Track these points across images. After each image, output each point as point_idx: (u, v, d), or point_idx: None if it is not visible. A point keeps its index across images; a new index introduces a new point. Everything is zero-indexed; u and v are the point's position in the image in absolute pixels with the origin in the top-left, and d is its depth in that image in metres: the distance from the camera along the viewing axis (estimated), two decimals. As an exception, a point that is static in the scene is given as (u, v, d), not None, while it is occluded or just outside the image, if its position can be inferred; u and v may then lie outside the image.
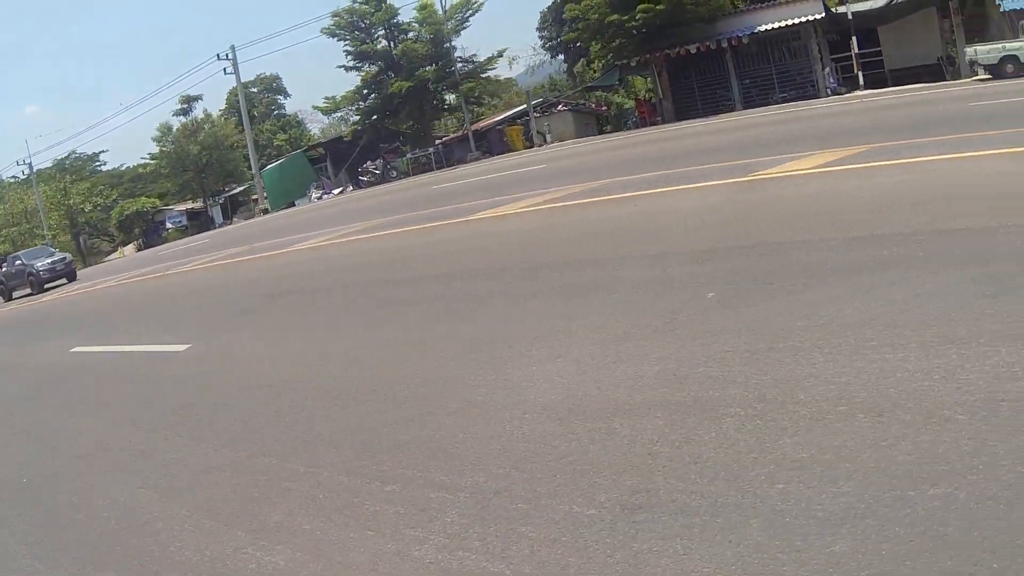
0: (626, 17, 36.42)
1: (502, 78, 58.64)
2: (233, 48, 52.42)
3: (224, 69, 52.98)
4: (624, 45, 38.57)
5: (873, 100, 26.34)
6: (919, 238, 6.73)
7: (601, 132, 45.38)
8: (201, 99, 69.38)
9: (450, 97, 52.40)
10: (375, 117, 50.75)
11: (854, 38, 34.64)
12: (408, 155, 48.10)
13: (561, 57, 54.70)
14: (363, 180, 47.47)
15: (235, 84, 55.24)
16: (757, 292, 6.25)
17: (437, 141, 50.62)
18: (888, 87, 33.25)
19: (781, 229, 8.28)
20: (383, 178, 46.08)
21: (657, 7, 35.34)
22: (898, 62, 37.35)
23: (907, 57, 37.06)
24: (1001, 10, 33.59)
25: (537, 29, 55.75)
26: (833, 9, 37.28)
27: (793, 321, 5.38)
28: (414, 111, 49.17)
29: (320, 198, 47.01)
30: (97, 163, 72.47)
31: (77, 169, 69.55)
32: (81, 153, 70.98)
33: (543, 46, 56.65)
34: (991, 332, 4.50)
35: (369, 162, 49.19)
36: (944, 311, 4.98)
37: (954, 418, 3.67)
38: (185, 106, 67.12)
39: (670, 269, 7.72)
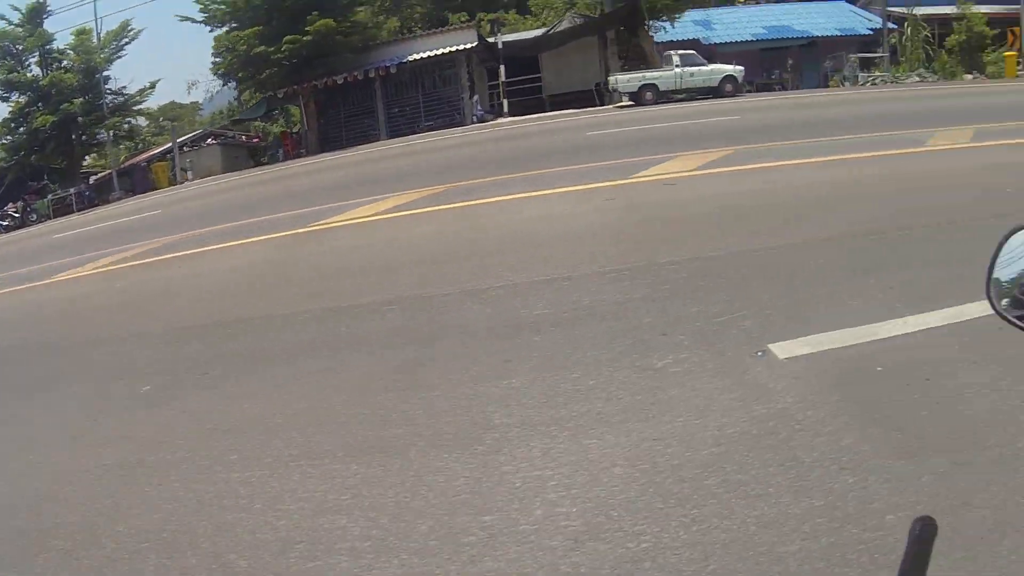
0: (272, 49, 35.62)
1: (186, 103, 55.18)
2: None
3: None
4: (272, 76, 37.59)
5: (508, 128, 27.49)
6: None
7: (259, 164, 43.69)
8: None
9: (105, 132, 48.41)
10: (22, 153, 46.02)
11: (502, 67, 35.57)
12: (49, 196, 43.90)
13: (233, 84, 52.51)
14: (2, 224, 42.84)
15: None
16: (187, 386, 5.60)
17: (92, 179, 46.72)
18: (545, 113, 34.28)
19: (267, 300, 7.61)
20: (23, 222, 41.80)
21: (304, 39, 34.64)
22: (557, 89, 38.65)
23: (567, 84, 38.49)
24: (655, 41, 36.05)
25: (212, 55, 53.14)
26: (489, 38, 38.06)
27: (173, 433, 4.72)
28: (62, 146, 45.00)
29: (-35, 243, 41.90)
30: None
31: None
32: None
33: (214, 73, 54.10)
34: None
35: (10, 204, 44.52)
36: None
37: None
38: None
39: (140, 352, 6.87)
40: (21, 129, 44.98)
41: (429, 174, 15.16)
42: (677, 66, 29.22)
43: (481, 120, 34.53)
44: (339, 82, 36.53)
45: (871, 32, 37.57)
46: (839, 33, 37.88)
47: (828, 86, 35.38)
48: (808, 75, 37.53)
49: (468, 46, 35.88)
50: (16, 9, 44.48)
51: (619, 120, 21.91)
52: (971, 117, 15.78)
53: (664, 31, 36.56)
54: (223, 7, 37.59)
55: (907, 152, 11.33)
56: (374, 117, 37.43)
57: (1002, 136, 12.69)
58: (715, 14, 39.98)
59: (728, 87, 28.82)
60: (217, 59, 48.04)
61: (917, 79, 34.16)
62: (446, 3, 52.17)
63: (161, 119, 49.55)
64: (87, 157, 49.18)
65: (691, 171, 10.85)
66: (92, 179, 45.89)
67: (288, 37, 34.64)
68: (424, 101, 37.34)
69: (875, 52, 36.92)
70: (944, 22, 36.91)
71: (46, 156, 44.97)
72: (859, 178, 9.49)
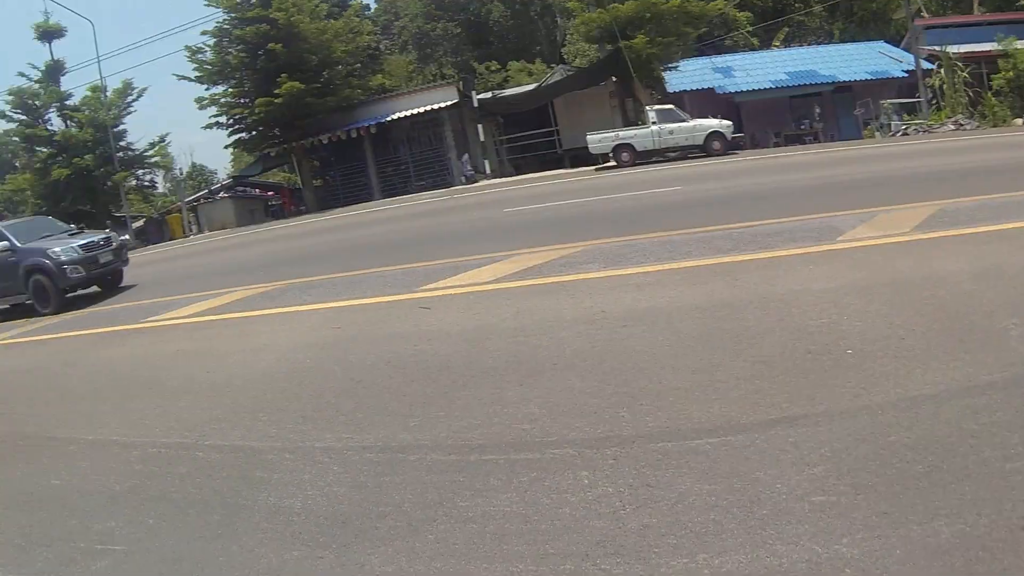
0: (247, 111, 34.73)
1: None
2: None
3: None
4: (255, 137, 36.48)
5: (475, 194, 24.81)
6: None
7: (277, 218, 42.31)
8: None
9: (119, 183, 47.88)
10: (49, 202, 45.77)
11: (480, 126, 33.45)
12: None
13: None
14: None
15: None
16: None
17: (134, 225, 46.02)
18: (546, 172, 31.66)
19: None
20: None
21: (276, 100, 33.18)
22: (574, 143, 35.12)
23: (583, 139, 35.62)
24: (668, 91, 32.97)
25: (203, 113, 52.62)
26: (483, 94, 35.86)
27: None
28: (81, 198, 44.55)
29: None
30: None
31: None
32: None
33: (204, 130, 53.55)
34: None
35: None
36: None
37: None
38: None
39: None
40: (44, 181, 45.02)
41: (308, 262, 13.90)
42: (654, 123, 26.31)
43: (470, 180, 32.34)
44: (324, 142, 35.06)
45: (905, 75, 33.24)
46: (870, 77, 33.90)
47: (863, 136, 31.33)
48: (845, 123, 33.92)
49: (449, 103, 33.69)
50: (35, 67, 44.60)
51: (569, 189, 19.31)
52: (954, 184, 11.85)
53: (667, 82, 33.57)
54: (211, 67, 36.35)
55: (793, 253, 7.89)
56: (367, 175, 35.84)
57: (961, 221, 8.50)
58: (736, 59, 36.50)
59: (716, 144, 25.78)
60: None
61: (952, 127, 29.38)
62: (472, 52, 50.67)
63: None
64: (122, 205, 48.44)
65: (485, 284, 8.59)
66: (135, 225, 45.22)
67: (260, 100, 33.46)
68: (413, 160, 35.37)
69: (914, 97, 32.23)
70: (990, 60, 31.73)
71: (71, 205, 44.53)
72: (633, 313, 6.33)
